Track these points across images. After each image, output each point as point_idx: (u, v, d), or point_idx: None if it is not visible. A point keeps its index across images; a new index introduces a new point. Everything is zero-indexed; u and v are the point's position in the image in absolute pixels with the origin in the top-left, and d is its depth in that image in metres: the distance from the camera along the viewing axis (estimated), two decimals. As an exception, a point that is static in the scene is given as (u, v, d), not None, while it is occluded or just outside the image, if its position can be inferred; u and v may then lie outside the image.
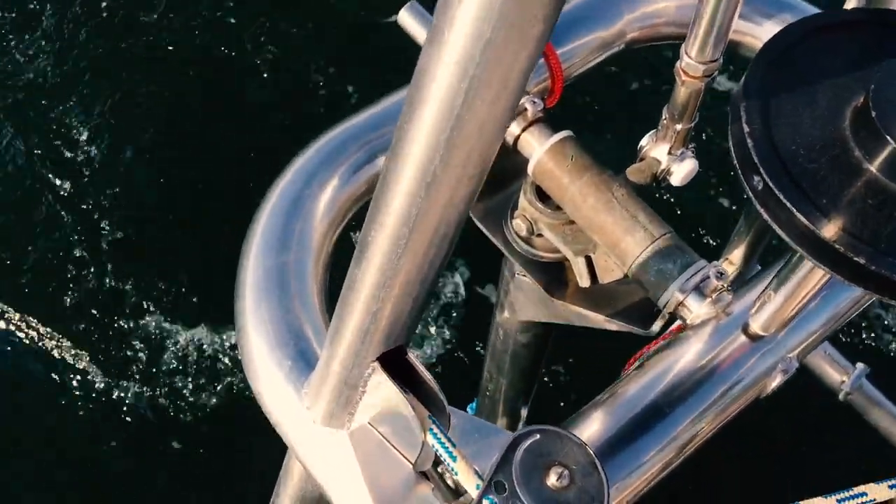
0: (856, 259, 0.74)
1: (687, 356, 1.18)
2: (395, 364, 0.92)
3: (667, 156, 1.32)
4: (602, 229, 1.22)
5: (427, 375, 0.92)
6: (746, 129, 0.80)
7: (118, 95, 3.69)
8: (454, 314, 3.25)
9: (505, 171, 1.38)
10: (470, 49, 0.62)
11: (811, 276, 1.02)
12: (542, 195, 1.32)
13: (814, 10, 1.40)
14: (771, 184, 0.77)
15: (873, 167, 0.78)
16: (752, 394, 1.15)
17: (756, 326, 1.14)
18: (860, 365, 2.34)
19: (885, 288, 0.75)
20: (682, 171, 1.31)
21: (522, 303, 1.51)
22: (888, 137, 0.76)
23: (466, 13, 0.60)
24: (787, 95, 0.84)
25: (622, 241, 1.20)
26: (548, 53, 1.39)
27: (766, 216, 0.80)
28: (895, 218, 0.77)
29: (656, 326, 1.20)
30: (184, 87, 3.74)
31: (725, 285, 1.12)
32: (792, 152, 0.79)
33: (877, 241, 0.76)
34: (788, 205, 0.77)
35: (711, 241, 3.37)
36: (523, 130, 1.29)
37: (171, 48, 3.82)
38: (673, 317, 1.17)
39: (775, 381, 1.15)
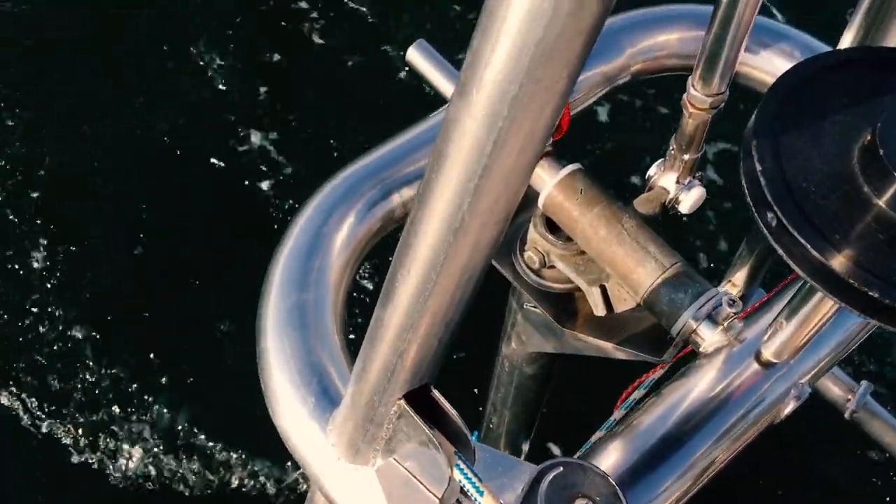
0: (869, 292, 0.77)
1: (701, 385, 1.20)
2: (420, 401, 0.94)
3: (675, 185, 1.35)
4: (614, 261, 1.25)
5: (452, 412, 0.94)
6: (759, 167, 0.83)
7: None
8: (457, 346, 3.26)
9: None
10: (497, 105, 0.64)
11: (822, 305, 1.05)
12: (552, 226, 1.35)
13: (819, 43, 1.43)
14: (784, 220, 0.80)
15: (882, 202, 0.81)
16: (766, 420, 1.17)
17: (768, 354, 1.16)
18: (864, 383, 2.37)
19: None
20: (690, 199, 1.34)
21: (530, 334, 1.53)
22: (895, 174, 0.79)
23: (494, 72, 0.63)
24: (797, 133, 0.87)
25: (634, 271, 1.23)
26: (554, 88, 1.42)
27: (780, 251, 0.83)
28: (906, 252, 0.79)
29: (669, 354, 1.23)
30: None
31: (737, 313, 1.15)
32: (803, 189, 0.82)
33: (888, 273, 0.78)
34: (802, 241, 0.79)
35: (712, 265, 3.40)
36: (533, 164, 1.31)
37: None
38: (685, 344, 1.20)
39: (788, 407, 1.17)
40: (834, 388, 2.38)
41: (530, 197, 1.32)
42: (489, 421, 2.00)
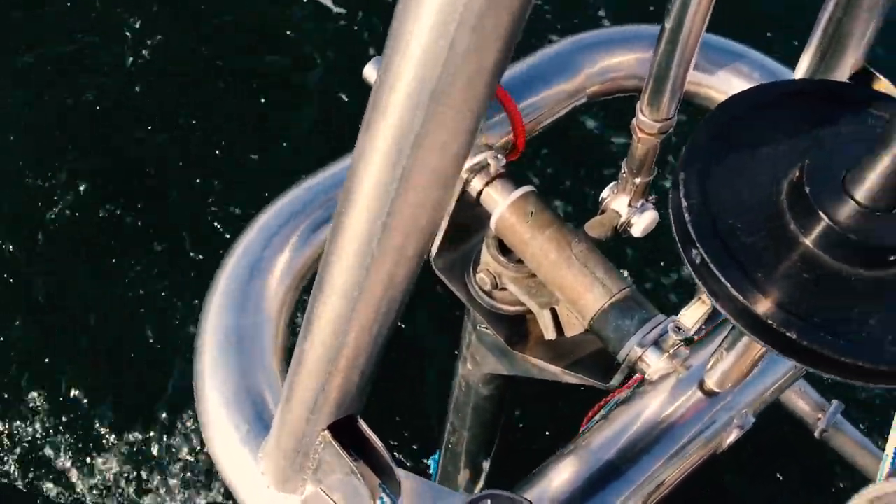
0: (787, 334, 0.76)
1: (646, 411, 1.19)
2: (346, 432, 0.93)
3: (627, 208, 1.34)
4: (562, 285, 1.24)
5: (378, 443, 0.93)
6: (684, 202, 0.82)
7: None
8: (419, 366, 3.25)
9: (467, 223, 1.39)
10: (400, 143, 0.63)
11: (758, 338, 1.03)
12: (505, 249, 1.34)
13: (774, 63, 1.42)
14: (707, 258, 0.79)
15: (808, 241, 0.80)
16: (709, 448, 1.16)
17: (711, 383, 1.15)
18: (835, 402, 2.36)
19: (819, 362, 0.76)
20: (642, 222, 1.33)
21: (484, 355, 1.52)
22: (820, 213, 0.78)
23: (395, 109, 0.62)
24: (728, 167, 0.86)
25: (582, 296, 1.22)
26: (509, 108, 1.41)
27: (703, 289, 0.81)
28: (830, 291, 0.78)
29: (616, 380, 1.21)
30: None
31: (682, 340, 1.14)
32: (729, 226, 0.81)
33: (811, 314, 0.77)
34: (723, 280, 0.78)
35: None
36: (486, 185, 1.30)
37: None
38: (632, 371, 1.18)
39: (731, 437, 1.16)
40: (804, 407, 2.37)
41: (484, 218, 1.32)
42: (448, 442, 1.99)
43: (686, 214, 0.81)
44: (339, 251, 0.73)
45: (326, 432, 0.91)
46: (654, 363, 1.12)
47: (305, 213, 1.23)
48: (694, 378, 1.18)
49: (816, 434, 2.36)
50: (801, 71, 1.26)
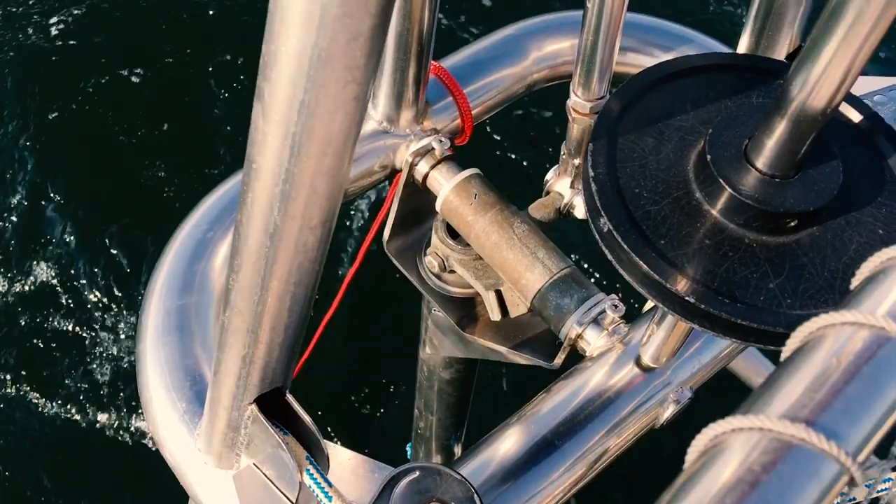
0: (686, 298, 0.77)
1: (586, 386, 1.21)
2: (274, 406, 0.94)
3: (569, 190, 1.36)
4: (504, 266, 1.25)
5: (305, 417, 0.95)
6: (591, 173, 0.83)
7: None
8: (388, 352, 3.27)
9: (418, 208, 1.41)
10: (287, 111, 0.65)
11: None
12: (453, 232, 1.35)
13: (706, 39, 1.44)
14: (611, 227, 0.80)
15: (712, 209, 0.81)
16: (645, 422, 1.18)
17: (646, 358, 1.17)
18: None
19: (717, 325, 0.77)
20: (584, 204, 1.34)
21: (441, 339, 1.54)
22: (721, 181, 0.79)
23: (281, 78, 0.63)
24: (636, 138, 0.87)
25: (523, 276, 1.24)
26: (455, 93, 1.43)
27: (610, 258, 0.83)
28: (729, 258, 0.80)
29: (559, 359, 1.23)
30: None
31: (620, 317, 1.16)
32: (635, 195, 0.82)
33: (711, 280, 0.78)
34: (626, 247, 0.79)
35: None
36: (431, 168, 1.32)
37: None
38: (574, 349, 1.20)
39: (668, 411, 1.17)
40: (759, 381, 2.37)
41: (433, 202, 1.33)
42: (417, 426, 2.00)
43: (592, 185, 0.82)
44: (245, 221, 0.75)
45: (253, 406, 0.93)
46: (593, 341, 1.14)
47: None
48: (632, 354, 1.20)
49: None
50: (742, 49, 1.27)
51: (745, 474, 0.46)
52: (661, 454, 2.66)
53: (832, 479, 0.46)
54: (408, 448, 2.17)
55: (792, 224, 0.80)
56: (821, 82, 0.71)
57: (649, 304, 1.76)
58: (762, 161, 0.79)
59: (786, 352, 0.53)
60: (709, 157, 0.80)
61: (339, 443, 1.00)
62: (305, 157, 0.68)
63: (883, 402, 0.49)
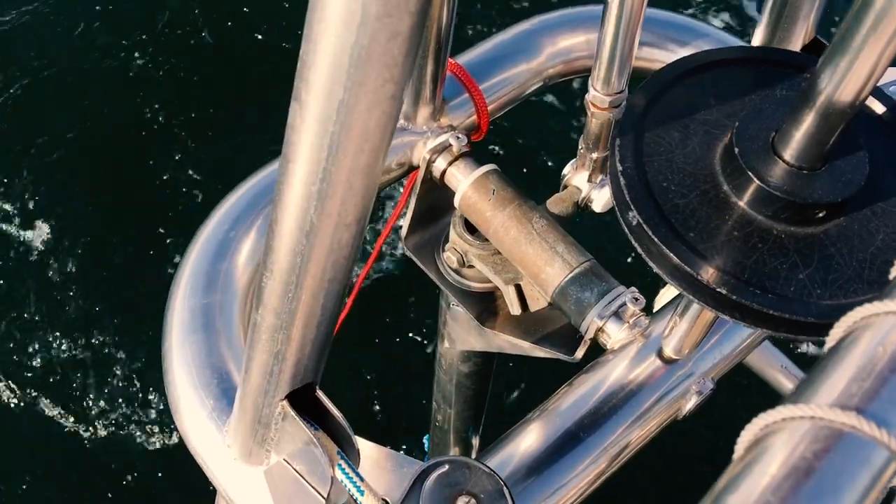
0: (718, 289, 0.78)
1: (607, 379, 1.22)
2: (304, 402, 0.95)
3: (587, 184, 1.36)
4: (524, 260, 1.26)
5: (336, 412, 0.96)
6: (619, 167, 0.84)
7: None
8: (404, 347, 3.28)
9: (436, 204, 1.42)
10: (326, 110, 0.66)
11: (706, 302, 1.06)
12: (471, 227, 1.36)
13: (722, 33, 1.45)
14: (641, 220, 0.81)
15: (740, 201, 0.82)
16: (668, 414, 1.19)
17: (669, 350, 1.18)
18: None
19: (748, 315, 0.78)
20: (602, 198, 1.35)
21: (459, 333, 1.55)
22: (749, 173, 0.80)
23: (320, 78, 0.64)
24: (663, 132, 0.88)
25: (543, 271, 1.24)
26: (471, 89, 1.44)
27: (640, 250, 0.84)
28: (758, 249, 0.80)
29: (580, 353, 1.24)
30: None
31: (641, 310, 1.16)
32: (663, 188, 0.83)
33: (741, 271, 0.79)
34: (657, 240, 0.80)
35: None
36: (449, 165, 1.33)
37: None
38: (595, 342, 1.21)
39: (690, 403, 1.18)
40: (786, 383, 2.39)
41: (452, 198, 1.34)
42: (435, 419, 2.02)
43: (621, 179, 0.83)
44: (280, 220, 0.76)
45: (284, 402, 0.94)
46: (614, 334, 1.15)
47: (269, 195, 1.26)
48: (653, 346, 1.21)
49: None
50: (757, 42, 1.28)
51: (797, 462, 0.46)
52: (684, 446, 2.68)
53: (883, 466, 0.47)
54: (425, 440, 2.19)
55: (820, 215, 0.81)
56: (849, 75, 0.72)
57: (664, 298, 1.77)
58: (790, 153, 0.80)
59: (830, 342, 0.54)
60: (736, 149, 0.81)
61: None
62: (343, 156, 0.69)
63: (930, 389, 0.49)
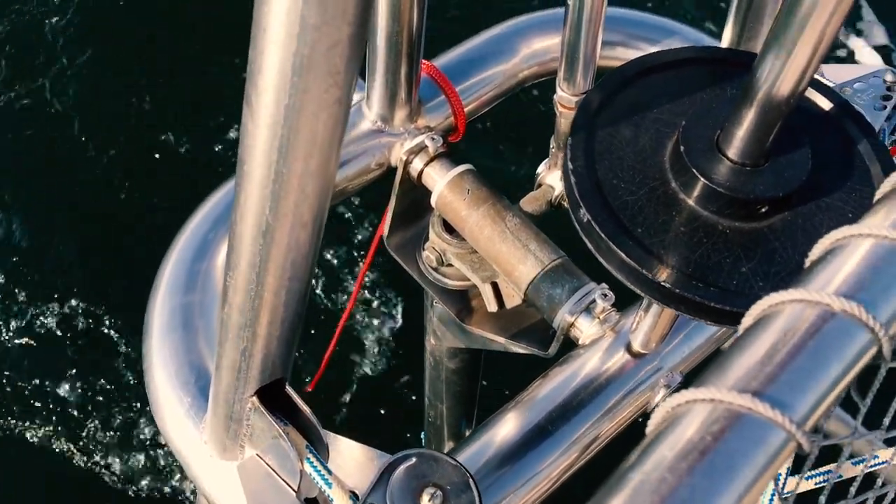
0: (662, 283, 0.80)
1: (579, 373, 1.24)
2: (274, 397, 0.98)
3: (559, 182, 1.39)
4: (498, 258, 1.29)
5: (304, 407, 0.98)
6: (570, 165, 0.87)
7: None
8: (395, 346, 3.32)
9: (416, 205, 1.45)
10: (274, 114, 0.69)
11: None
12: (449, 227, 1.39)
13: (692, 32, 1.47)
14: (590, 217, 0.84)
15: (688, 199, 0.84)
16: (637, 406, 1.21)
17: (637, 345, 1.20)
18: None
19: (692, 308, 0.81)
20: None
21: (443, 330, 1.57)
22: (695, 171, 0.83)
23: (266, 83, 0.67)
24: (614, 131, 0.90)
25: (516, 269, 1.27)
26: (448, 91, 1.46)
27: (590, 247, 0.86)
28: (704, 244, 0.83)
29: (554, 348, 1.27)
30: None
31: (611, 306, 1.19)
32: (613, 186, 0.86)
33: (686, 265, 0.82)
34: (604, 236, 0.83)
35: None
36: (426, 165, 1.36)
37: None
38: (567, 337, 1.23)
39: (659, 395, 1.20)
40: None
41: (430, 197, 1.37)
42: (428, 415, 2.05)
43: (571, 177, 0.86)
44: (239, 220, 0.79)
45: (254, 398, 0.96)
46: (585, 329, 1.17)
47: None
48: (623, 340, 1.23)
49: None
50: (726, 41, 1.30)
51: (696, 442, 0.49)
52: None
53: (779, 446, 0.49)
54: (422, 436, 2.22)
55: (763, 210, 0.83)
56: (784, 72, 0.75)
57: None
58: (733, 150, 0.82)
59: (741, 328, 0.57)
60: (682, 147, 0.83)
61: (354, 434, 1.04)
62: (293, 159, 0.72)
63: (828, 375, 0.52)
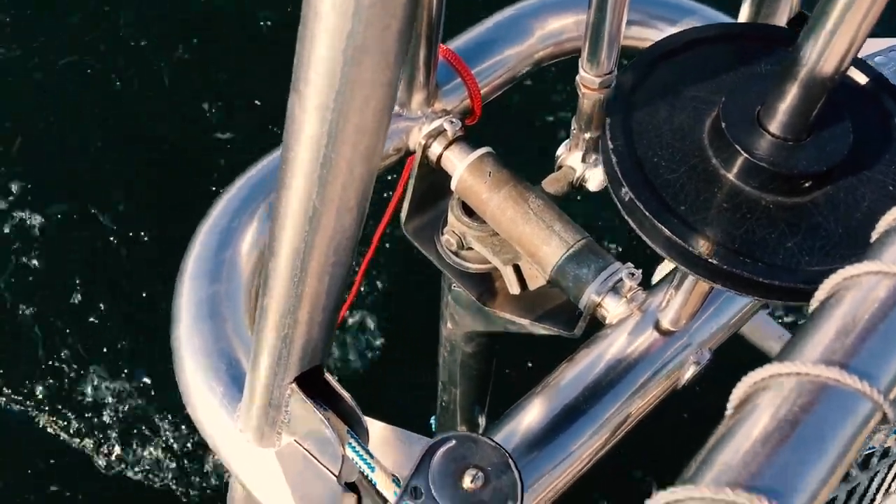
0: (710, 260, 0.81)
1: (607, 353, 1.25)
2: (312, 384, 0.98)
3: (581, 163, 1.39)
4: (521, 240, 1.29)
5: (344, 393, 0.98)
6: (611, 145, 0.87)
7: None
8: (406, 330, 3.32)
9: (434, 188, 1.44)
10: (323, 98, 0.68)
11: (699, 273, 1.09)
12: (468, 209, 1.39)
13: (710, 11, 1.47)
14: (633, 195, 0.84)
15: (729, 174, 0.85)
16: (667, 385, 1.22)
17: (666, 322, 1.20)
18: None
19: (740, 284, 0.81)
20: (596, 177, 1.37)
21: (461, 314, 1.58)
22: (737, 146, 0.83)
23: (316, 67, 0.66)
24: (651, 109, 0.90)
25: (540, 250, 1.27)
26: (464, 74, 1.46)
27: (633, 225, 0.86)
28: (748, 219, 0.83)
29: (580, 328, 1.27)
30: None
31: (637, 284, 1.19)
32: (654, 164, 0.86)
33: (731, 241, 0.82)
34: (649, 214, 0.83)
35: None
36: (445, 149, 1.35)
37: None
38: (594, 317, 1.24)
39: (689, 372, 1.21)
40: (778, 349, 2.44)
41: (449, 182, 1.37)
42: (441, 400, 2.05)
43: (612, 157, 0.86)
44: (284, 206, 0.79)
45: (294, 385, 0.96)
46: (612, 309, 1.18)
47: (270, 184, 1.28)
48: (650, 319, 1.24)
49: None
50: (743, 18, 1.30)
51: (784, 415, 0.49)
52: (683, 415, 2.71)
53: (866, 416, 0.49)
54: (432, 421, 2.22)
55: (806, 185, 0.83)
56: (830, 47, 0.75)
57: (660, 273, 1.80)
58: (775, 125, 0.82)
59: (814, 303, 0.57)
60: (723, 123, 0.83)
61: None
62: (342, 143, 0.71)
63: (910, 343, 0.52)
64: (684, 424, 2.80)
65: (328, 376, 0.98)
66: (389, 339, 3.35)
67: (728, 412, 0.53)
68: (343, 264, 0.84)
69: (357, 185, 0.76)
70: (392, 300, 3.37)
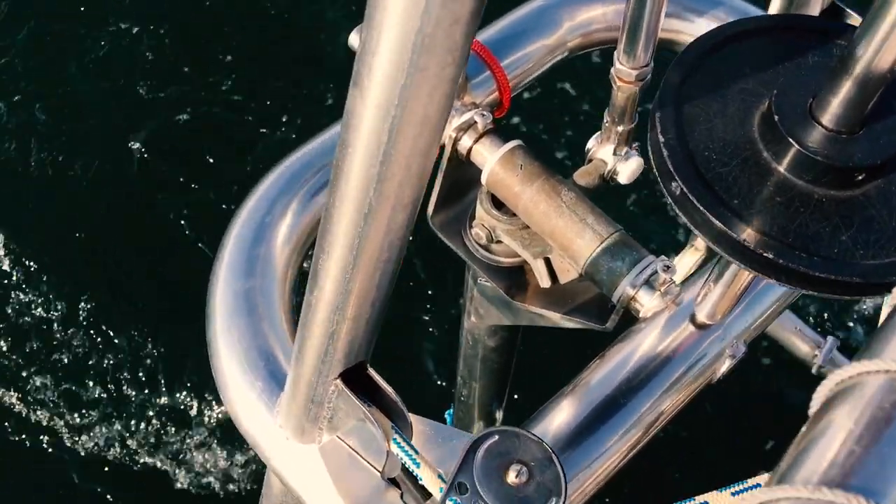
0: (764, 254, 0.80)
1: (641, 347, 1.24)
2: (357, 379, 0.98)
3: (612, 156, 1.38)
4: (554, 233, 1.28)
5: (388, 389, 0.98)
6: (661, 138, 0.86)
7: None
8: (426, 323, 3.32)
9: (461, 181, 1.44)
10: (388, 94, 0.67)
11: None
12: (498, 203, 1.38)
13: (743, 5, 1.46)
14: (685, 189, 0.83)
15: (780, 167, 0.84)
16: (703, 379, 1.21)
17: (702, 316, 1.20)
18: (830, 338, 2.42)
19: (794, 278, 0.81)
20: (627, 169, 1.37)
21: (487, 307, 1.57)
22: (790, 139, 0.82)
23: (381, 63, 0.66)
24: (700, 103, 0.90)
25: (573, 243, 1.27)
26: (493, 66, 1.45)
27: (685, 219, 0.86)
28: (801, 213, 0.83)
29: (613, 322, 1.27)
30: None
31: (672, 278, 1.19)
32: (705, 157, 0.85)
33: (785, 235, 0.82)
34: (702, 208, 0.82)
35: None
36: (475, 142, 1.34)
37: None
38: (627, 311, 1.23)
39: (724, 366, 1.21)
40: (801, 345, 2.44)
41: (476, 175, 1.36)
42: (460, 394, 2.05)
43: (664, 150, 0.85)
44: (339, 201, 0.78)
45: (338, 380, 0.96)
46: (647, 302, 1.17)
47: (303, 179, 1.27)
48: (685, 313, 1.23)
49: (814, 370, 2.43)
50: (775, 10, 1.30)
51: (875, 412, 0.49)
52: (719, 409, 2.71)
53: (957, 413, 0.49)
54: (447, 415, 2.22)
55: (859, 178, 0.83)
56: (888, 44, 0.74)
57: (694, 265, 1.79)
58: (828, 118, 0.82)
59: (894, 300, 0.56)
60: (776, 116, 0.83)
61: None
62: (402, 139, 0.71)
63: None
64: (719, 418, 2.82)
65: (372, 372, 0.98)
66: (400, 331, 3.35)
67: (812, 410, 0.53)
68: (394, 260, 0.84)
69: (413, 181, 0.76)
70: (397, 298, 3.38)
